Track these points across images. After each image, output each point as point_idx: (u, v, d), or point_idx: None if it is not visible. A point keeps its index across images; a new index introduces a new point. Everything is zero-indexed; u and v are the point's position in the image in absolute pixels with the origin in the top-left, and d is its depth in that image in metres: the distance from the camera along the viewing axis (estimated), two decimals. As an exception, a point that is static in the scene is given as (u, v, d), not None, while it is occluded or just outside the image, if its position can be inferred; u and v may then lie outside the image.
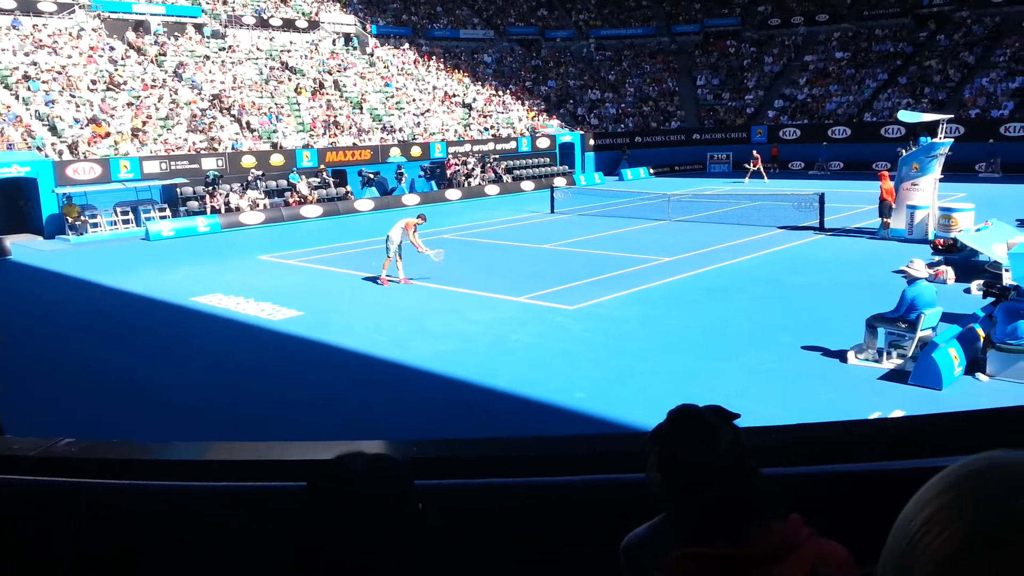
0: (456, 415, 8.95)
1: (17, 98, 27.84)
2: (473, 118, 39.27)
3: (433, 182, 34.02)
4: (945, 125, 20.48)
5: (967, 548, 0.64)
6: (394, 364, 10.65)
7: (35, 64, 29.67)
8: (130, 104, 29.55)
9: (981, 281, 13.59)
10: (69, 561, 2.11)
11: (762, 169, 34.52)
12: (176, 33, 36.61)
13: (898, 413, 7.97)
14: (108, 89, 29.91)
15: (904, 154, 19.70)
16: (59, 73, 29.66)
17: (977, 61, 39.42)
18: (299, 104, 34.19)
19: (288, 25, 41.56)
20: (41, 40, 31.42)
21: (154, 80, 31.81)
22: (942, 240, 16.43)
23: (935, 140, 19.35)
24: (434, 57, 44.98)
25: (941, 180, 19.65)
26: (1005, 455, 0.69)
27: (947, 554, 0.64)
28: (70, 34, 32.94)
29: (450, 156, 34.73)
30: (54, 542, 2.09)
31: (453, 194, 32.37)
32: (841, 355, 10.07)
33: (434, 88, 41.05)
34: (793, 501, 1.50)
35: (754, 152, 35.72)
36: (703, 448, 1.44)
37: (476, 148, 36.14)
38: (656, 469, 1.49)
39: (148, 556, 2.08)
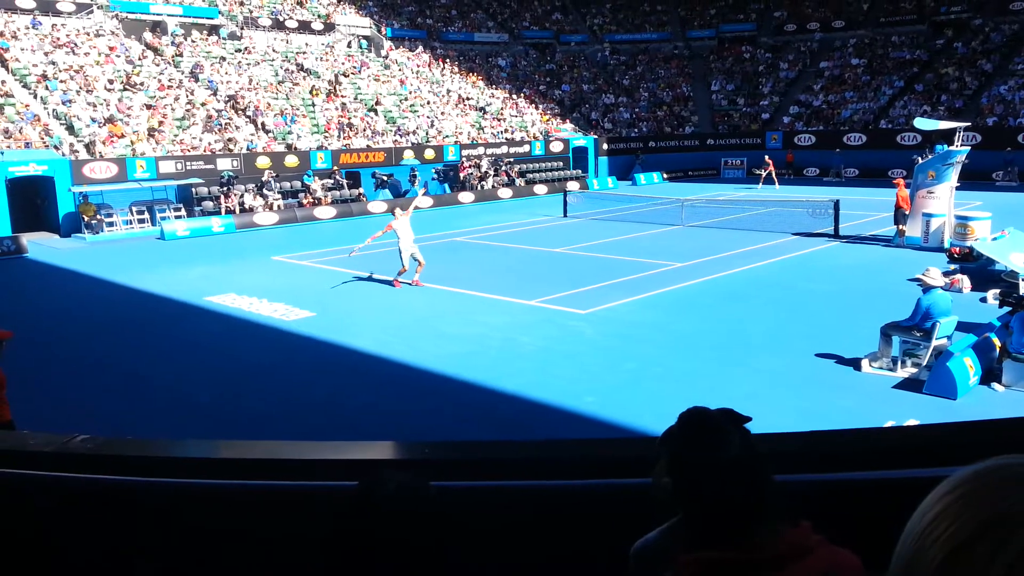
0: (466, 417, 8.96)
1: (35, 97, 28.14)
2: (487, 121, 39.33)
3: (446, 185, 34.08)
4: (962, 133, 20.32)
5: (976, 535, 0.65)
6: (405, 365, 10.67)
7: (53, 64, 29.97)
8: (147, 104, 29.78)
9: (997, 290, 13.47)
10: (84, 557, 2.13)
11: (774, 175, 34.39)
12: (193, 34, 36.88)
13: (912, 422, 7.91)
14: (125, 89, 30.16)
15: (920, 162, 19.57)
16: (77, 73, 29.94)
17: (995, 69, 39.11)
18: (314, 106, 34.35)
19: (304, 27, 41.79)
20: (59, 40, 31.72)
21: (171, 80, 32.05)
22: (958, 249, 16.28)
23: (951, 148, 19.20)
24: (448, 60, 45.08)
25: (957, 188, 19.49)
26: (1013, 458, 0.70)
27: (956, 543, 0.66)
28: (88, 34, 33.25)
29: (463, 159, 34.79)
30: (70, 538, 2.11)
31: (466, 197, 32.42)
32: (855, 363, 10.01)
33: (448, 91, 41.14)
34: (804, 508, 1.50)
35: (766, 158, 35.63)
36: (713, 451, 1.43)
37: (490, 151, 36.18)
38: (665, 472, 1.49)
39: (163, 553, 2.10)
